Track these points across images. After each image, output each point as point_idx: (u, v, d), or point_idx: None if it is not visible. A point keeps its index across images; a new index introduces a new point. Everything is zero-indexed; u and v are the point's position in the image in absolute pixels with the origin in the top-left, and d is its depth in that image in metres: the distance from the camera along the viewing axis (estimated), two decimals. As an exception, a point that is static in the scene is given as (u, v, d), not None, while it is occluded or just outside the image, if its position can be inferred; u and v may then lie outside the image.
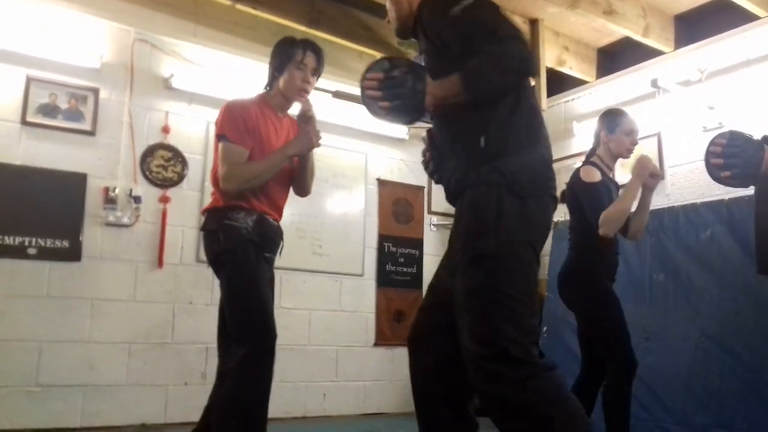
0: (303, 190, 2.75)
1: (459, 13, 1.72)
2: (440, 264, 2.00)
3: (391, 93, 1.80)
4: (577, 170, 3.03)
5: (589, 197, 2.91)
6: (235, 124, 2.46)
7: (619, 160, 3.13)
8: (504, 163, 1.72)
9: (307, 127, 2.56)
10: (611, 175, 3.11)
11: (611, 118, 3.11)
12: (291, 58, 2.56)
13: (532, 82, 1.87)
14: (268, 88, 2.66)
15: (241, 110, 2.51)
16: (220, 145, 2.47)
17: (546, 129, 1.88)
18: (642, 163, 2.89)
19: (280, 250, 2.65)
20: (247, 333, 2.37)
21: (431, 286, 2.02)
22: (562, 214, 4.93)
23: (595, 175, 2.94)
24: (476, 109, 1.75)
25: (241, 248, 2.43)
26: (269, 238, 2.55)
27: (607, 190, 2.94)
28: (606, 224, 2.80)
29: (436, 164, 1.92)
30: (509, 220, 1.69)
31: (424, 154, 1.97)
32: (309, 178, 2.71)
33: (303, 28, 4.28)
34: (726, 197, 3.77)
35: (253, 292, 2.41)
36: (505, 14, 1.78)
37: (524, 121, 1.78)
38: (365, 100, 1.85)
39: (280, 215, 2.66)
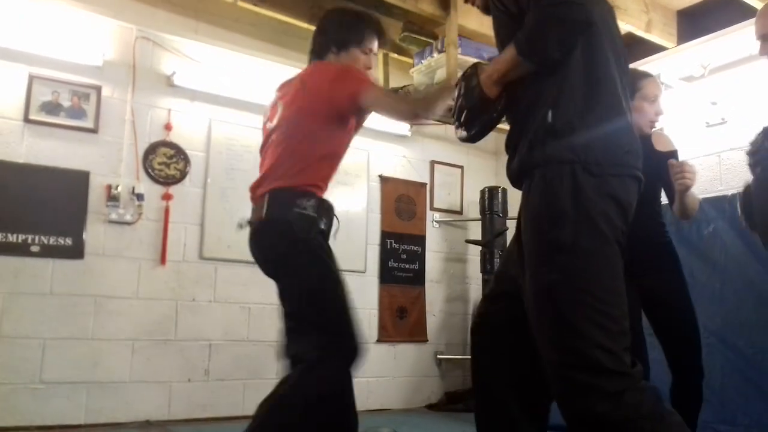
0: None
1: None
2: (508, 249, 1.82)
3: (461, 118, 1.65)
4: None
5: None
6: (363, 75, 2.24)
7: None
8: (576, 138, 1.48)
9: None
10: None
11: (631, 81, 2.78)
12: (362, 41, 2.34)
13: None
14: (317, 57, 2.38)
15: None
16: (369, 92, 2.16)
17: (627, 94, 1.63)
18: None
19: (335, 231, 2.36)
20: (329, 341, 2.06)
21: (498, 273, 1.84)
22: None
23: None
24: (543, 77, 1.54)
25: (317, 242, 2.15)
26: (331, 225, 2.28)
27: None
28: None
29: (509, 138, 1.68)
30: (587, 202, 1.44)
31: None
32: None
33: (305, 25, 4.27)
34: (728, 193, 3.77)
35: (337, 294, 2.14)
36: None
37: (601, 88, 1.53)
38: (464, 139, 1.71)
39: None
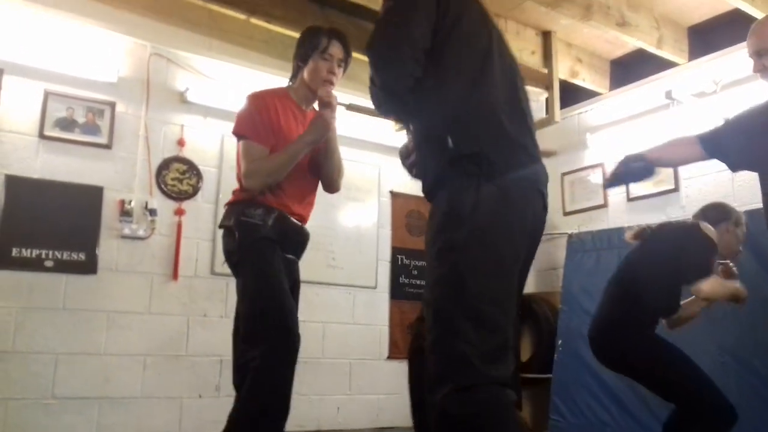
0: (331, 185, 2.62)
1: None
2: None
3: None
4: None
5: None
6: (254, 121, 2.40)
7: None
8: (482, 158, 1.56)
9: (320, 112, 2.44)
10: None
11: None
12: (315, 48, 2.47)
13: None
14: (291, 81, 2.58)
15: (261, 104, 2.44)
16: (240, 143, 2.41)
17: (526, 117, 1.71)
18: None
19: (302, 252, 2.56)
20: (264, 332, 2.24)
21: (420, 317, 1.93)
22: (575, 226, 4.93)
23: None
24: (432, 105, 1.64)
25: (257, 246, 2.34)
26: (290, 239, 2.46)
27: None
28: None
29: (416, 158, 1.81)
30: (486, 210, 1.52)
31: (407, 146, 1.87)
32: (336, 171, 2.58)
33: (317, 42, 4.30)
34: (741, 209, 3.74)
35: (269, 291, 2.29)
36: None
37: (495, 116, 1.62)
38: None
39: (307, 215, 2.56)
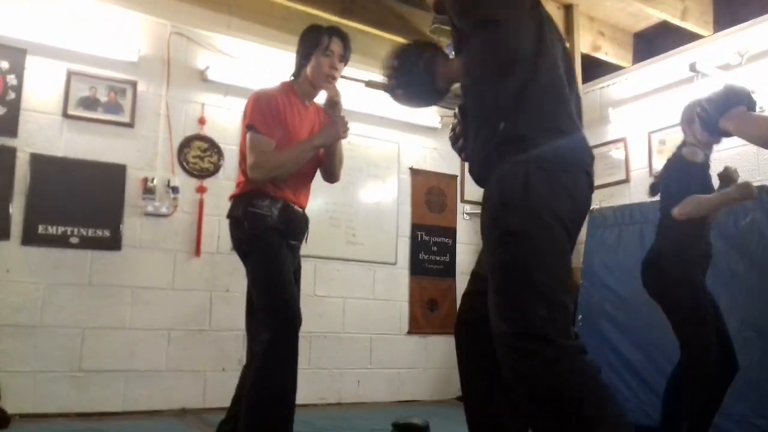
0: (332, 177, 2.77)
1: None
2: (482, 250, 1.93)
3: (404, 79, 1.83)
4: (678, 151, 3.03)
5: (688, 175, 2.92)
6: (263, 114, 2.49)
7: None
8: (529, 142, 1.65)
9: (334, 118, 2.59)
10: (709, 161, 3.09)
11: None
12: (317, 45, 2.58)
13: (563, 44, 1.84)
14: (294, 76, 2.67)
15: (269, 100, 2.53)
16: (248, 135, 2.49)
17: (571, 103, 1.78)
18: (747, 190, 2.81)
19: (305, 238, 2.70)
20: (271, 318, 2.40)
21: (474, 272, 1.98)
22: (597, 201, 4.89)
23: (698, 156, 2.91)
24: (500, 88, 1.71)
25: (265, 235, 2.47)
26: (294, 226, 2.59)
27: (704, 174, 2.93)
28: (685, 207, 2.80)
29: (466, 142, 1.90)
30: (537, 194, 1.61)
31: (453, 129, 1.95)
32: (337, 165, 2.73)
33: (335, 18, 4.29)
34: (767, 183, 3.70)
35: (276, 279, 2.44)
36: None
37: (545, 103, 1.71)
38: (386, 88, 1.89)
39: (306, 203, 2.69)
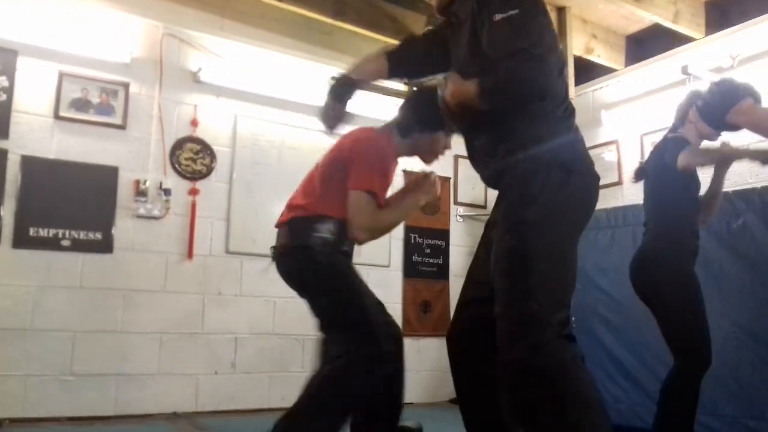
0: None
1: (501, 19, 1.70)
2: (475, 255, 2.00)
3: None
4: (659, 148, 2.96)
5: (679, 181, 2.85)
6: (384, 181, 2.37)
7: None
8: (547, 144, 1.75)
9: (427, 177, 2.53)
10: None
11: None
12: (446, 125, 2.39)
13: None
14: (401, 134, 2.46)
15: (389, 164, 2.40)
16: (366, 195, 2.28)
17: (573, 115, 1.89)
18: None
19: None
20: (368, 336, 2.26)
21: (466, 281, 2.00)
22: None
23: (692, 166, 2.86)
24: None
25: (340, 261, 2.36)
26: (351, 244, 2.44)
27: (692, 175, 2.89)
28: (688, 157, 2.77)
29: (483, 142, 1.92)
30: (554, 191, 1.70)
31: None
32: None
33: (328, 20, 4.29)
34: (758, 185, 3.71)
35: (367, 303, 2.33)
36: (545, 24, 1.75)
37: (562, 107, 1.82)
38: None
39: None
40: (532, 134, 1.76)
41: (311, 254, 2.30)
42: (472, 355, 1.88)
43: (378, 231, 2.37)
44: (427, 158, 2.55)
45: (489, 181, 1.94)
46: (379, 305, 2.40)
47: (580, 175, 1.77)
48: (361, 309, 2.30)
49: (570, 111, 1.86)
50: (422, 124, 2.41)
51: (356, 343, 2.24)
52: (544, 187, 1.70)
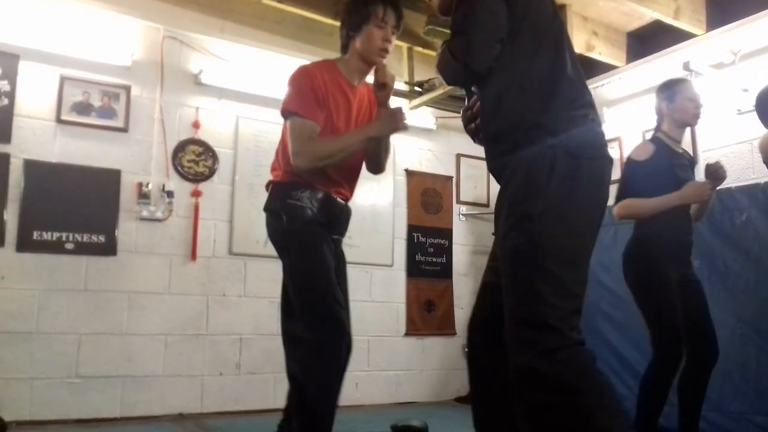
0: (377, 168, 2.60)
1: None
2: (492, 251, 1.90)
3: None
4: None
5: (624, 174, 2.96)
6: (305, 96, 2.28)
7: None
8: (556, 128, 1.63)
9: (391, 109, 2.39)
10: (679, 149, 3.08)
11: (670, 88, 3.06)
12: (370, 16, 2.34)
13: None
14: (342, 53, 2.44)
15: (310, 80, 2.31)
16: (289, 121, 2.29)
17: (588, 92, 1.78)
18: (694, 192, 2.87)
19: (345, 230, 2.55)
20: (313, 322, 2.24)
21: (487, 266, 1.92)
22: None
23: (643, 153, 2.91)
24: (520, 75, 1.71)
25: (305, 230, 2.30)
26: (336, 218, 2.42)
27: (665, 166, 2.91)
28: (623, 210, 2.83)
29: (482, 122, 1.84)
30: (561, 181, 1.58)
31: (470, 108, 1.88)
32: (384, 155, 2.55)
33: (329, 21, 4.29)
34: (761, 181, 3.70)
35: (318, 279, 2.26)
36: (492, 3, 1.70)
37: (571, 90, 1.71)
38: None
39: (351, 193, 2.52)
40: (536, 112, 1.67)
41: (279, 220, 2.32)
42: (491, 346, 1.76)
43: (312, 157, 2.26)
44: (375, 59, 2.39)
45: (494, 172, 1.82)
46: (330, 285, 2.30)
47: (590, 160, 1.63)
48: (309, 291, 2.28)
49: (580, 78, 1.76)
50: (348, 28, 2.41)
51: (313, 331, 2.24)
52: (551, 176, 1.58)
